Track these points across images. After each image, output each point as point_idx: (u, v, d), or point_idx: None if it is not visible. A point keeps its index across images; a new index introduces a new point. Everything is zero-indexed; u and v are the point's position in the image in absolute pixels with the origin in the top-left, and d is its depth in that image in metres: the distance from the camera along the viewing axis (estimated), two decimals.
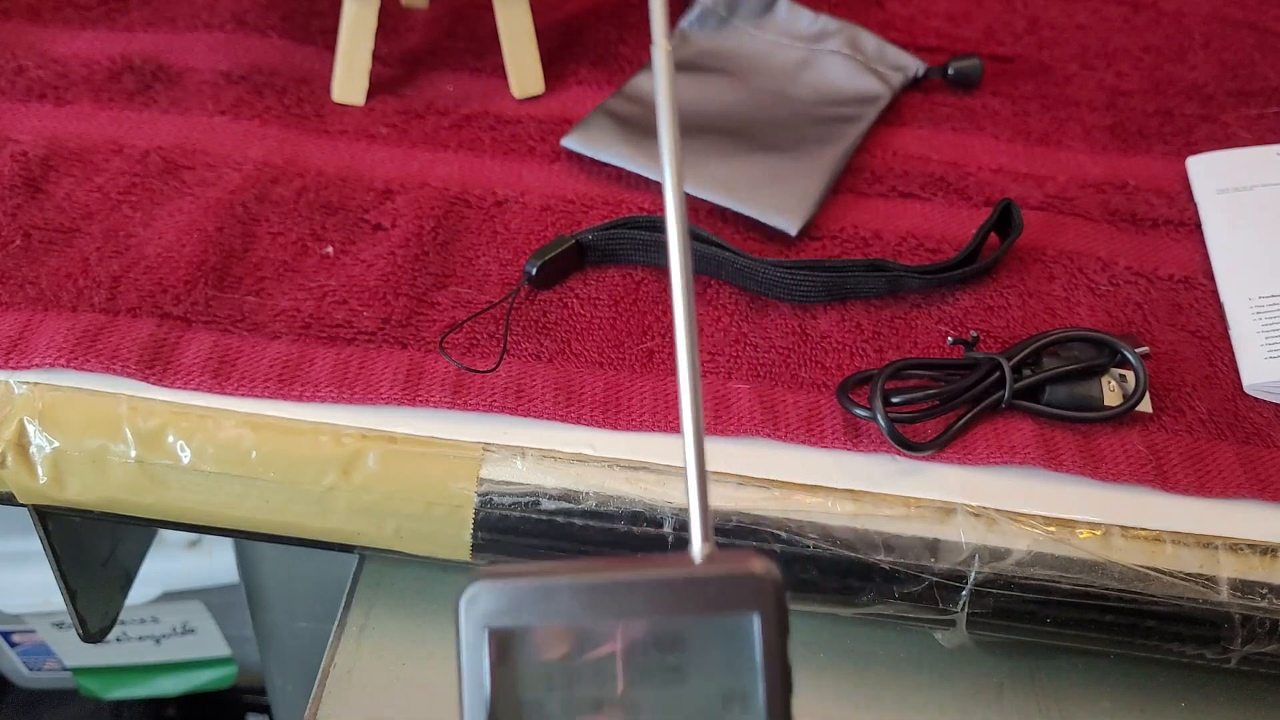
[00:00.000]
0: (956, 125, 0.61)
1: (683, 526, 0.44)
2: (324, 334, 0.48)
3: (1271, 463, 0.45)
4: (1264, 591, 0.43)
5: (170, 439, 0.45)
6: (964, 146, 0.59)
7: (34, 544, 0.53)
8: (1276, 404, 0.48)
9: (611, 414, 0.46)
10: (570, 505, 0.44)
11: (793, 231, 0.53)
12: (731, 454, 0.45)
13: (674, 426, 0.46)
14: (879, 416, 0.44)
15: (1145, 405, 0.46)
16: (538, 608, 0.21)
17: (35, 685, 1.06)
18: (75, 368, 0.46)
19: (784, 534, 0.44)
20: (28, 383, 0.46)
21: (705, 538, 0.22)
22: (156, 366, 0.46)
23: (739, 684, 0.21)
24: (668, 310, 0.50)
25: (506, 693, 0.21)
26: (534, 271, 0.50)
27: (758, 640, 0.21)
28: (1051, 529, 0.43)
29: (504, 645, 0.21)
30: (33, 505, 0.48)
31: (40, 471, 0.46)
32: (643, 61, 0.63)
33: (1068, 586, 0.43)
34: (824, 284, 0.50)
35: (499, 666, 0.21)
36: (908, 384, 0.47)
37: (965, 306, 0.51)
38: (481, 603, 0.21)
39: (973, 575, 0.43)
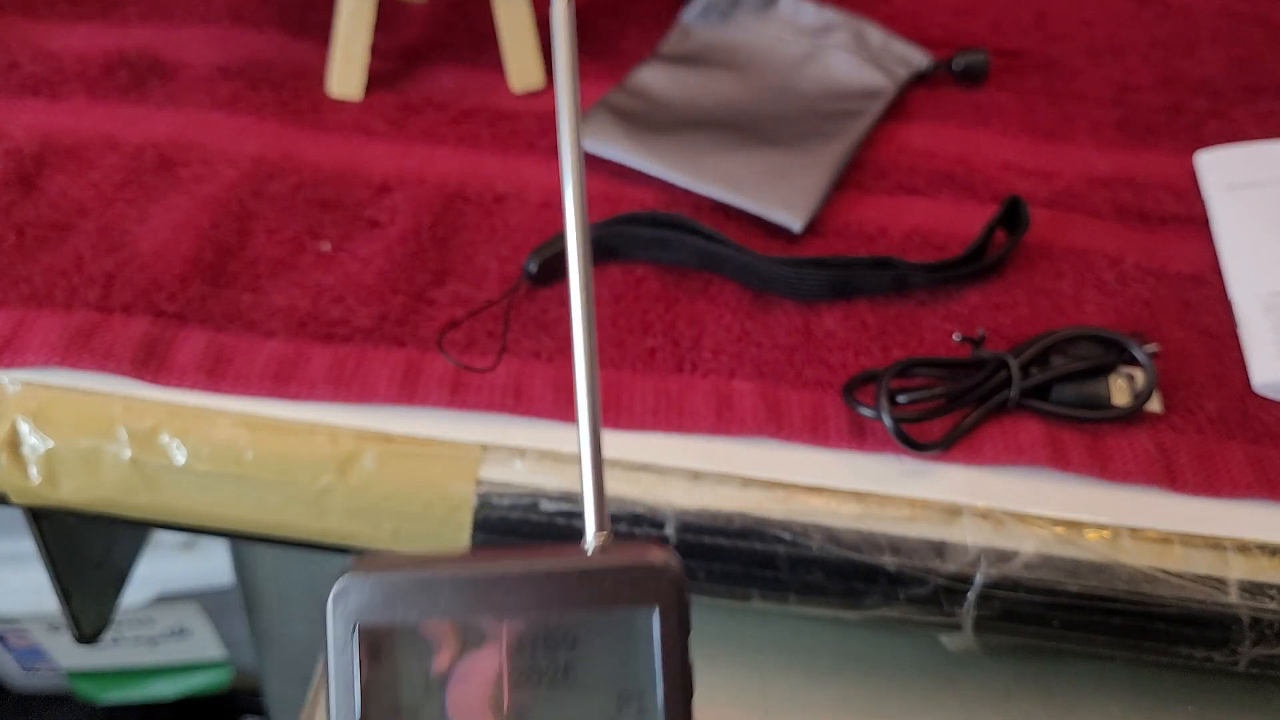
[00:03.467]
0: (963, 120, 0.60)
1: (687, 528, 0.43)
2: (320, 332, 0.48)
3: None
4: (1273, 593, 0.42)
5: (165, 439, 0.45)
6: (970, 142, 0.59)
7: (27, 545, 0.52)
8: None
9: (613, 413, 0.45)
10: (570, 507, 0.44)
11: (797, 228, 0.52)
12: (735, 454, 0.45)
13: (677, 426, 0.45)
14: (884, 416, 0.43)
15: (1154, 404, 0.46)
16: (414, 603, 0.20)
17: (29, 688, 1.06)
18: (69, 366, 0.46)
19: (788, 535, 0.43)
20: (20, 382, 0.46)
21: (600, 526, 0.21)
22: (151, 365, 0.46)
23: (635, 684, 0.20)
24: (670, 308, 0.50)
25: (380, 696, 0.20)
26: (534, 268, 0.50)
27: (656, 637, 0.20)
28: (1059, 530, 0.43)
29: (376, 645, 0.20)
30: (26, 506, 0.48)
31: (33, 471, 0.46)
32: (644, 56, 0.62)
33: (1075, 589, 0.43)
34: (829, 281, 0.50)
35: (372, 668, 0.20)
36: (914, 383, 0.46)
37: (972, 304, 0.50)
38: (351, 597, 0.20)
39: (979, 578, 0.43)
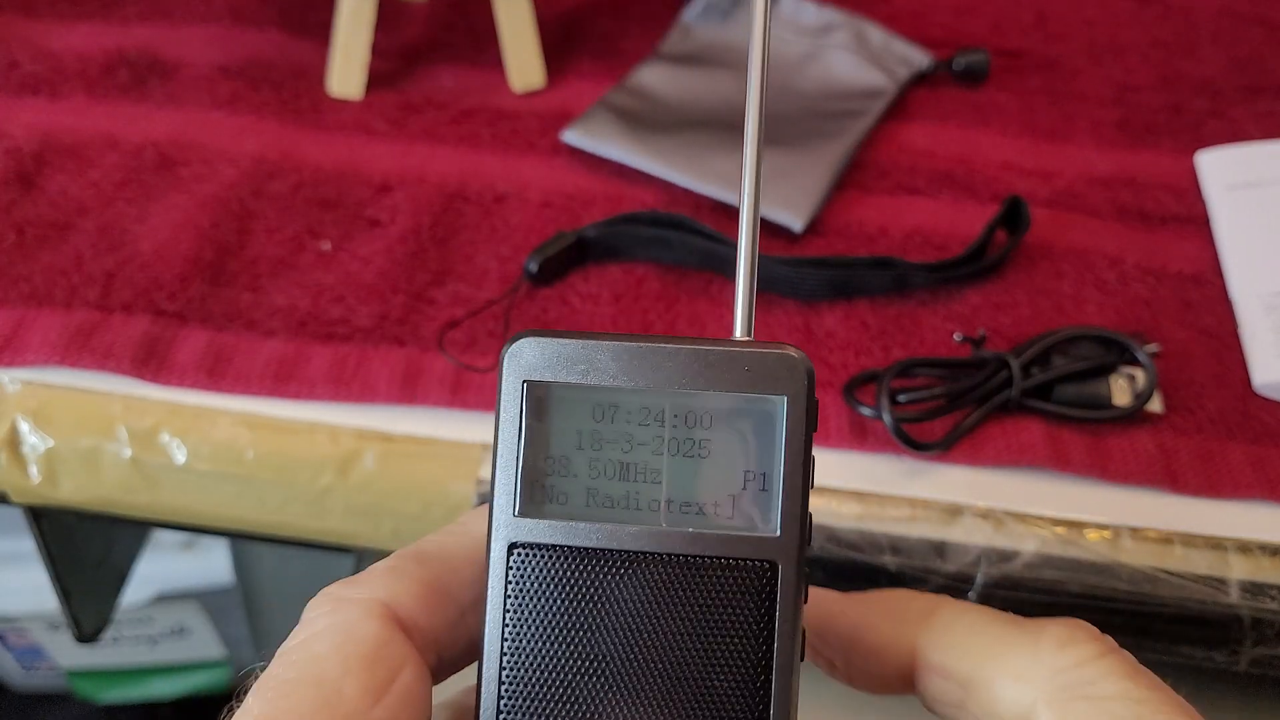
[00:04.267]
0: (963, 120, 0.60)
1: None
2: (320, 331, 0.48)
3: None
4: (1274, 593, 0.42)
5: (165, 438, 0.45)
6: (971, 142, 0.59)
7: (27, 544, 0.52)
8: None
9: None
10: None
11: (797, 228, 0.52)
12: None
13: None
14: (885, 415, 0.43)
15: (1155, 404, 0.46)
16: (576, 366, 0.22)
17: (29, 687, 1.06)
18: (69, 365, 0.46)
19: None
20: (20, 381, 0.46)
21: (746, 331, 0.23)
22: (151, 364, 0.46)
23: (760, 465, 0.22)
24: (670, 307, 0.50)
25: (538, 445, 0.22)
26: (534, 268, 0.49)
27: (783, 423, 0.21)
28: (1060, 530, 0.43)
29: (539, 399, 0.22)
30: (26, 505, 0.48)
31: (33, 470, 0.45)
32: (645, 56, 0.62)
33: (1076, 589, 0.42)
34: (829, 281, 0.49)
35: (533, 419, 0.22)
36: (914, 383, 0.46)
37: (973, 304, 0.50)
38: (523, 355, 0.22)
39: (980, 578, 0.43)
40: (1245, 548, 0.43)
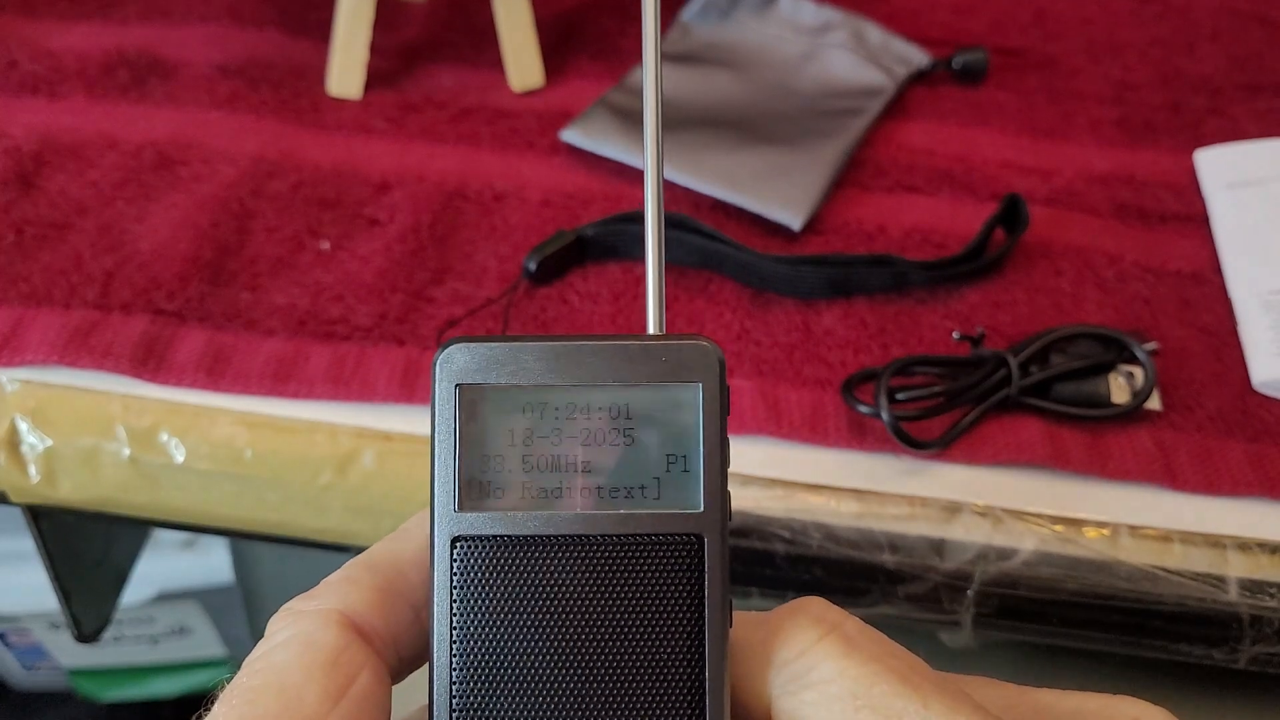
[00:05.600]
0: (962, 119, 0.60)
1: None
2: (319, 330, 0.48)
3: None
4: (1273, 591, 0.42)
5: (164, 437, 0.45)
6: (969, 140, 0.59)
7: (27, 544, 0.52)
8: None
9: None
10: None
11: (796, 226, 0.52)
12: (734, 452, 0.44)
13: None
14: (884, 414, 0.43)
15: (1154, 402, 0.46)
16: (505, 368, 0.23)
17: (30, 686, 1.06)
18: (68, 365, 0.46)
19: (788, 534, 0.43)
20: (20, 380, 0.46)
21: (659, 326, 0.25)
22: (150, 363, 0.46)
23: (681, 447, 0.23)
24: (669, 306, 0.50)
25: (473, 444, 0.23)
26: (533, 267, 0.49)
27: (700, 409, 0.23)
28: (1059, 528, 0.43)
29: (472, 401, 0.23)
30: (25, 504, 0.48)
31: (33, 470, 0.45)
32: None
33: (1075, 586, 0.43)
34: (828, 279, 0.49)
35: (467, 420, 0.23)
36: (913, 381, 0.46)
37: (971, 302, 0.50)
38: (454, 361, 0.23)
39: (979, 575, 0.43)
40: (1244, 545, 0.43)
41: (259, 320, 0.48)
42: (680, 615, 0.23)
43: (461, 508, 0.23)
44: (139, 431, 0.45)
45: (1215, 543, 0.43)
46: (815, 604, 0.23)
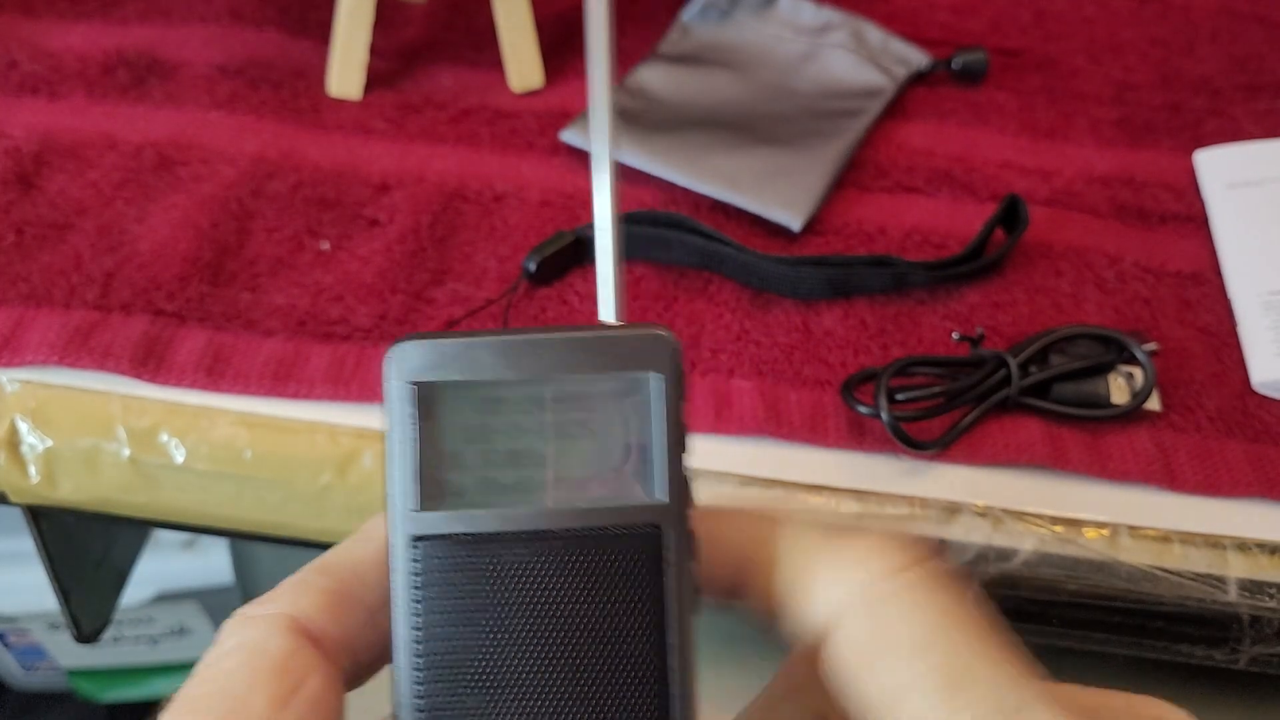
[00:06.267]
0: (962, 119, 0.60)
1: None
2: (319, 331, 0.48)
3: None
4: (1273, 592, 0.42)
5: (164, 437, 0.45)
6: (969, 141, 0.59)
7: (27, 544, 0.52)
8: None
9: None
10: None
11: (796, 227, 0.52)
12: (733, 453, 0.45)
13: None
14: (883, 414, 0.43)
15: (1153, 403, 0.46)
16: (459, 364, 0.23)
17: (30, 687, 1.06)
18: (68, 365, 0.46)
19: None
20: (19, 380, 0.46)
21: (615, 315, 0.25)
22: (150, 364, 0.46)
23: (639, 437, 0.23)
24: (669, 307, 0.50)
25: (430, 442, 0.23)
26: (533, 267, 0.49)
27: (657, 397, 0.23)
28: (1058, 529, 0.43)
29: (427, 399, 0.23)
30: (25, 505, 0.48)
31: (32, 470, 0.45)
32: (643, 55, 0.62)
33: (1074, 587, 0.43)
34: (828, 280, 0.49)
35: (423, 418, 0.23)
36: (913, 381, 0.46)
37: (971, 303, 0.50)
38: (407, 359, 0.23)
39: (978, 576, 0.43)
40: (1244, 546, 0.43)
41: (259, 320, 0.48)
42: (643, 607, 0.23)
43: (420, 507, 0.23)
44: (139, 432, 0.45)
45: (1215, 543, 0.43)
46: (895, 535, 0.23)
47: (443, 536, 0.23)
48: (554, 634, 0.22)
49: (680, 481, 0.23)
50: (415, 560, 0.23)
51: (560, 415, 0.23)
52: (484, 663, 0.22)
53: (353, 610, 0.23)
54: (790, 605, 0.23)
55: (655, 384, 0.23)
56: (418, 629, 0.23)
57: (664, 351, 0.23)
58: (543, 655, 0.22)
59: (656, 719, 0.23)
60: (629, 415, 0.23)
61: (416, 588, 0.23)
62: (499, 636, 0.22)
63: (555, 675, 0.22)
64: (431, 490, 0.23)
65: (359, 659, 0.23)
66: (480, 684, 0.22)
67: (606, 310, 0.25)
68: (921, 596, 0.21)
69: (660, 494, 0.23)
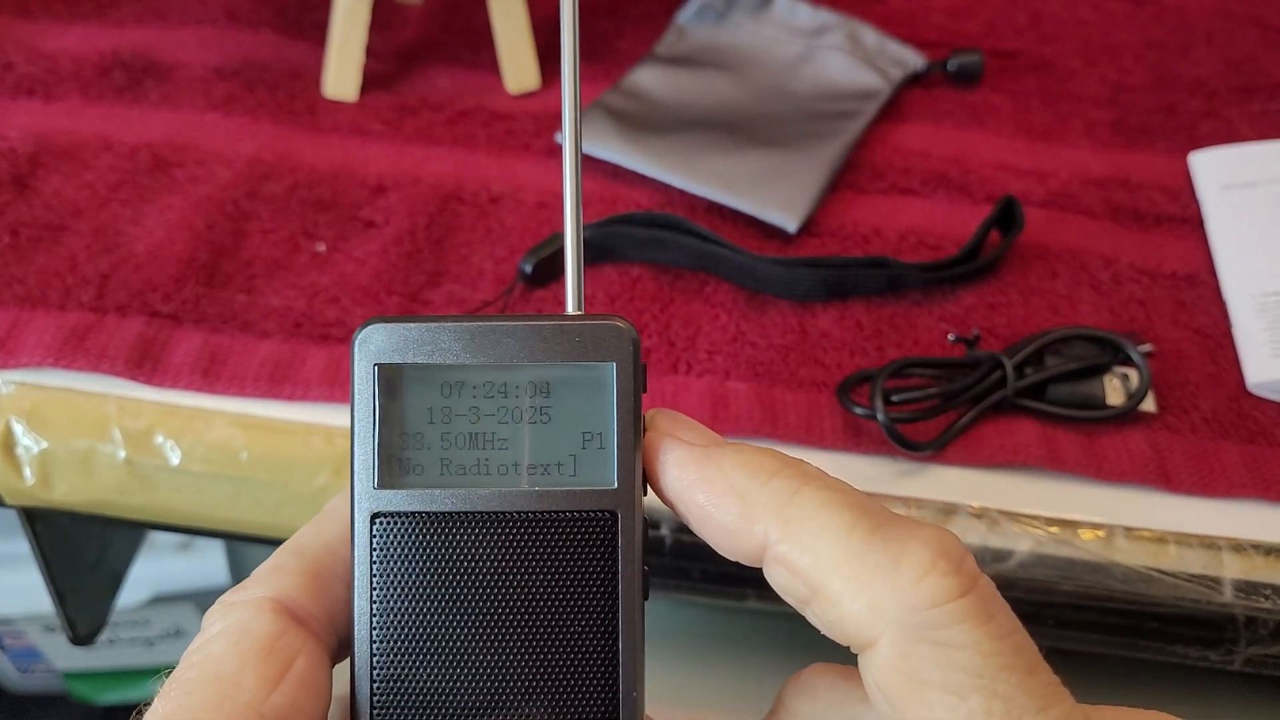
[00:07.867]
0: (958, 121, 0.60)
1: (682, 529, 0.43)
2: (316, 333, 0.48)
3: (1276, 462, 0.45)
4: (1268, 593, 0.42)
5: (159, 439, 0.45)
6: (965, 142, 0.59)
7: (22, 546, 0.52)
8: None
9: None
10: None
11: (792, 228, 0.52)
12: None
13: None
14: (879, 416, 0.43)
15: (1148, 404, 0.46)
16: (423, 347, 0.24)
17: (25, 689, 1.06)
18: (63, 367, 0.45)
19: None
20: (14, 382, 0.46)
21: (577, 306, 0.25)
22: (145, 365, 0.46)
23: (596, 425, 0.24)
24: (665, 308, 0.50)
25: (392, 423, 0.24)
26: (529, 269, 0.49)
27: (614, 386, 0.24)
28: (1054, 530, 0.43)
29: (390, 380, 0.24)
30: (20, 506, 0.47)
31: (27, 472, 0.45)
32: (640, 57, 0.62)
33: (1070, 588, 0.43)
34: (823, 281, 0.50)
35: (386, 399, 0.24)
36: (908, 383, 0.46)
37: (967, 304, 0.50)
38: (373, 341, 0.24)
39: None
40: (1239, 547, 0.43)
41: (255, 322, 0.48)
42: (595, 589, 0.23)
43: (380, 485, 0.23)
44: (134, 433, 0.45)
45: (1210, 544, 0.43)
46: (947, 540, 0.22)
47: (401, 514, 0.23)
48: (508, 612, 0.23)
49: (635, 469, 0.24)
50: (374, 537, 0.23)
51: (519, 400, 0.24)
52: (439, 638, 0.23)
53: (331, 587, 0.24)
54: (820, 606, 0.22)
55: (612, 373, 0.24)
56: (375, 603, 0.23)
57: (622, 342, 0.24)
58: (496, 633, 0.23)
59: (604, 695, 0.23)
60: (588, 403, 0.24)
61: (375, 563, 0.23)
62: (454, 613, 0.23)
63: (508, 653, 0.23)
64: (391, 469, 0.24)
65: (341, 635, 0.24)
66: (435, 659, 0.23)
67: (570, 301, 0.25)
68: (962, 637, 0.21)
69: (615, 480, 0.24)
